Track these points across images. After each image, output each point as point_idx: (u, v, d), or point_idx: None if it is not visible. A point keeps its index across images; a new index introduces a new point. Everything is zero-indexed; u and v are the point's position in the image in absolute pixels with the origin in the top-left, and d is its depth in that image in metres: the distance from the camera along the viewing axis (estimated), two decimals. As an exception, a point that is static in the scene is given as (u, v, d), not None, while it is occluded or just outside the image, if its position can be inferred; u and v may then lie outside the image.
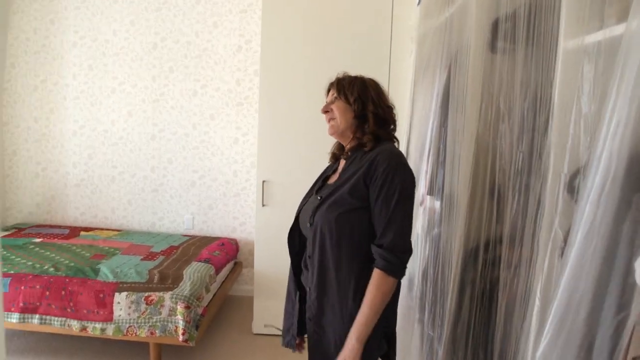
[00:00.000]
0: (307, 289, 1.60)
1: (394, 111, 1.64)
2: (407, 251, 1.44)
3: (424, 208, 2.32)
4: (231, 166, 4.08)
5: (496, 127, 1.48)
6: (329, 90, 1.69)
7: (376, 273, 1.42)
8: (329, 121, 1.64)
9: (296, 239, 1.71)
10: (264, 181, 3.29)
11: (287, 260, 1.72)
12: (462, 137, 1.75)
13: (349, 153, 1.61)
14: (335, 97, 1.62)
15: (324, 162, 1.80)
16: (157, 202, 4.19)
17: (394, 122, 1.63)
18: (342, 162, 1.65)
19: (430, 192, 2.19)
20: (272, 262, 3.35)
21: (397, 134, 1.64)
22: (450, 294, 1.72)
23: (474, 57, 1.65)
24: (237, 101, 4.02)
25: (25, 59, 4.21)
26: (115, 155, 4.19)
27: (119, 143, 4.18)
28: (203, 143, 4.08)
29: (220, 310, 3.79)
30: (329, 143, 1.75)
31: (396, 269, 1.42)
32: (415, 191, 1.54)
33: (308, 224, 1.56)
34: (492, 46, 1.55)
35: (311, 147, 3.18)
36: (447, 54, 2.07)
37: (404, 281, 2.46)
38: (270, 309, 3.37)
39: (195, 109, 4.06)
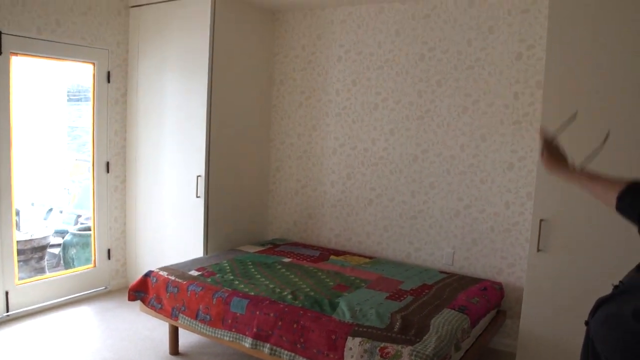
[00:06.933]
0: None
1: None
2: None
3: None
4: (503, 196, 3.86)
5: None
6: None
7: None
8: None
9: None
10: (541, 220, 2.98)
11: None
12: None
13: None
14: None
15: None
16: (415, 230, 4.21)
17: None
18: None
19: None
20: (544, 320, 3.00)
21: None
22: None
23: None
24: (514, 119, 3.78)
25: (293, 76, 4.68)
26: (374, 176, 4.34)
27: (378, 163, 4.32)
28: (471, 167, 3.95)
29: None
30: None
31: None
32: None
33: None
34: None
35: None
36: None
37: None
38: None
39: (464, 127, 3.96)
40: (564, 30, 2.90)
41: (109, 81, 4.62)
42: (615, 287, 1.18)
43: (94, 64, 4.54)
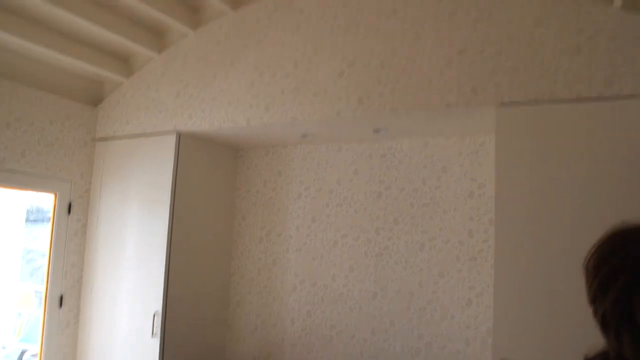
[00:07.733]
0: None
1: None
2: None
3: None
4: (463, 332, 3.87)
5: None
6: None
7: None
8: None
9: None
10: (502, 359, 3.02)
11: None
12: None
13: None
14: None
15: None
16: (376, 369, 4.15)
17: None
18: None
19: None
20: None
21: None
22: None
23: None
24: (470, 255, 3.90)
25: (254, 210, 4.79)
26: (334, 313, 4.32)
27: (338, 300, 4.32)
28: (430, 304, 4.00)
29: None
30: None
31: None
32: None
33: None
34: None
35: (573, 316, 2.81)
36: None
37: None
38: None
39: (421, 264, 4.05)
40: (510, 170, 3.11)
41: (69, 212, 4.64)
42: None
43: (55, 194, 4.58)
